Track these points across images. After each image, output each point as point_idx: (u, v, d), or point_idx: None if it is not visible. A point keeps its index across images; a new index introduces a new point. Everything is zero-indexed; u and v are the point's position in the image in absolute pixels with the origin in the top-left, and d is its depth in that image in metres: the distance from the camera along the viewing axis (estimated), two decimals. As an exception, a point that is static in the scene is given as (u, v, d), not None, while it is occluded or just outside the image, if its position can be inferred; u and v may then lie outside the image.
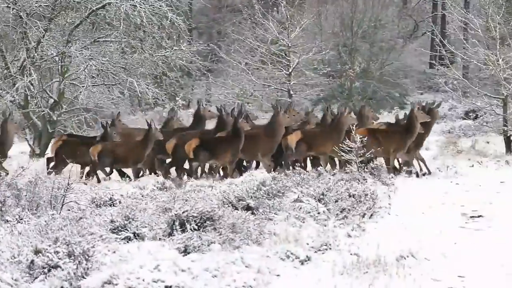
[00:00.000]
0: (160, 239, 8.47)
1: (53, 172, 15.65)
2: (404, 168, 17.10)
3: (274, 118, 16.63)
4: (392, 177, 14.66)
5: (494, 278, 8.10)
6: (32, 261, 7.04)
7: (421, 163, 17.33)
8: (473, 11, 33.71)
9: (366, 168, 14.58)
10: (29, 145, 21.60)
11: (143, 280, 6.84)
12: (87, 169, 16.68)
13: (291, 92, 24.99)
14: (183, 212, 8.69)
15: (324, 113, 18.41)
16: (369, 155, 15.24)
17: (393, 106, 32.34)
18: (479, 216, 11.84)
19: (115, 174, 16.65)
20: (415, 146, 17.16)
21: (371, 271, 8.03)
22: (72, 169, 15.14)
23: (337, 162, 17.00)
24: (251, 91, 27.22)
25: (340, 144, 15.30)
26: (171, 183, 13.47)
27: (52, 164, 16.87)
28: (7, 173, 14.75)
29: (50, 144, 17.94)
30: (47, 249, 7.14)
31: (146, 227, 8.72)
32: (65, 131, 21.85)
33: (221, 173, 16.62)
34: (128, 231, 8.52)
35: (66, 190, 10.62)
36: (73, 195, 10.90)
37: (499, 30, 25.01)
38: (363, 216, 10.86)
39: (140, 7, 20.00)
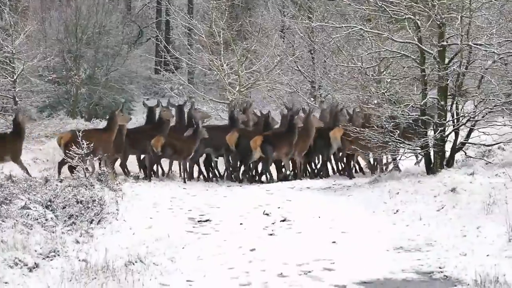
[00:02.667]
0: None
1: None
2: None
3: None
4: (119, 183, 14.75)
5: (220, 282, 8.40)
6: None
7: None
8: (197, 16, 34.60)
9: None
10: None
11: None
12: None
13: (17, 99, 24.35)
14: None
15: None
16: None
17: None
18: (206, 221, 12.17)
19: None
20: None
21: (100, 277, 8.08)
22: None
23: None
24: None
25: None
26: None
27: None
28: None
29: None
30: None
31: None
32: None
33: None
34: None
35: None
36: None
37: (223, 35, 25.80)
38: (91, 222, 10.82)
39: None
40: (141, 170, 18.02)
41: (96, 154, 16.24)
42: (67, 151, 15.27)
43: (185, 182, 17.18)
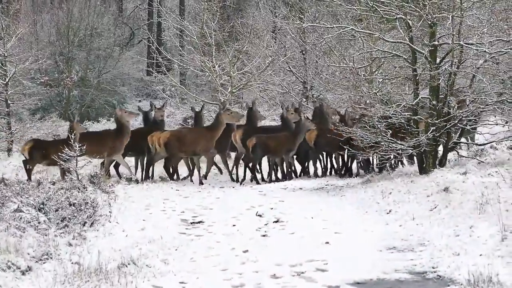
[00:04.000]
0: None
1: None
2: None
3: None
4: (112, 185, 14.73)
5: (213, 283, 8.38)
6: None
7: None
8: (189, 18, 34.60)
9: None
10: None
11: None
12: None
13: (9, 102, 24.29)
14: None
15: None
16: None
17: (112, 113, 32.52)
18: (199, 222, 12.14)
19: None
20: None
21: (93, 279, 8.10)
22: None
23: None
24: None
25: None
26: None
27: None
28: None
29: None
30: None
31: None
32: None
33: None
34: None
35: None
36: None
37: (215, 36, 25.77)
38: (84, 225, 10.80)
39: None
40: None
41: (196, 152, 17.24)
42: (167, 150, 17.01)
43: (285, 179, 17.47)
